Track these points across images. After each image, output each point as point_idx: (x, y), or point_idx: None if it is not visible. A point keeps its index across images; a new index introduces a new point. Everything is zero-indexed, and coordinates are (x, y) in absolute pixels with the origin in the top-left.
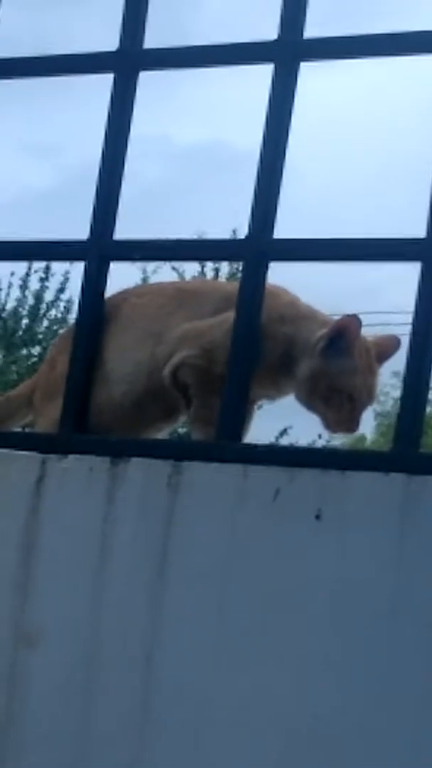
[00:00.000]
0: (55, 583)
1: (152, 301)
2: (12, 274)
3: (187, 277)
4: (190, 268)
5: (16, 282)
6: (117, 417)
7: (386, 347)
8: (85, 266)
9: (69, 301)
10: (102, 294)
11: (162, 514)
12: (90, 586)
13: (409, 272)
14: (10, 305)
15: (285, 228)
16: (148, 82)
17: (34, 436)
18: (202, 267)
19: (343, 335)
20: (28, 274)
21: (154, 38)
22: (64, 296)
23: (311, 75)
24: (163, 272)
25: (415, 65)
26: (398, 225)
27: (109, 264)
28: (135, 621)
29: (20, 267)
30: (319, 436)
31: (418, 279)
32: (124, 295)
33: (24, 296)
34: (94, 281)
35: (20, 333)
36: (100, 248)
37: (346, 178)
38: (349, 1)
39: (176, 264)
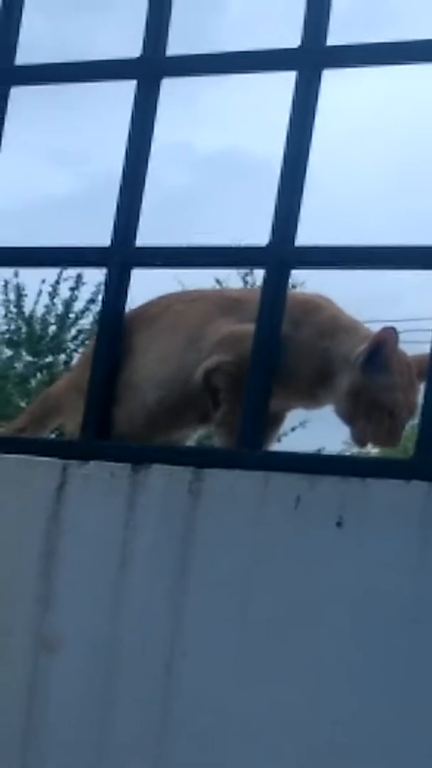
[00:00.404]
0: (76, 590)
1: (195, 308)
2: (43, 281)
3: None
4: (234, 279)
5: (46, 289)
6: (148, 423)
7: (426, 364)
8: (107, 273)
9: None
10: (124, 301)
11: (183, 521)
12: (110, 593)
13: (430, 280)
14: (39, 311)
15: (305, 236)
16: (169, 88)
17: (54, 442)
18: (245, 280)
19: (381, 349)
20: (58, 282)
21: (176, 44)
22: (96, 307)
23: (331, 83)
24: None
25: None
26: (418, 232)
27: (130, 271)
28: (155, 629)
29: (51, 274)
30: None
31: None
32: (167, 302)
33: (53, 304)
34: (116, 288)
35: (47, 340)
36: (121, 255)
37: (366, 187)
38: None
39: (218, 274)
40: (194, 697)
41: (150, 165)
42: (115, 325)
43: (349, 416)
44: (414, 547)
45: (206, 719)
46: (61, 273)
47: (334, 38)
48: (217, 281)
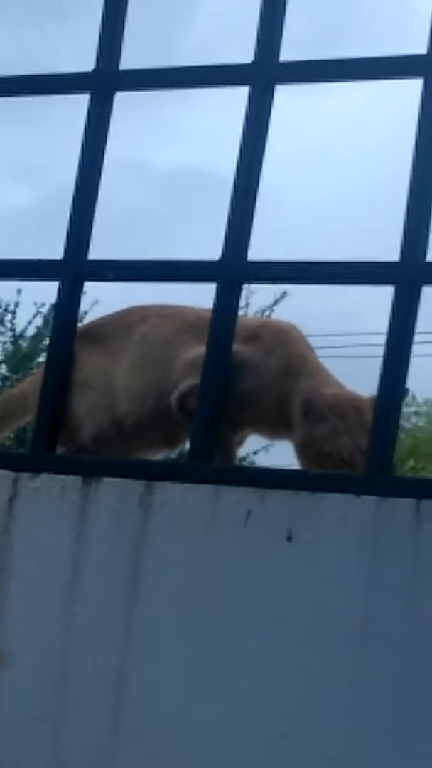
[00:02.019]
0: (27, 603)
1: (171, 326)
2: (36, 303)
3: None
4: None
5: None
6: (115, 437)
7: None
8: (59, 285)
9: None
10: (76, 313)
11: (134, 534)
12: (62, 606)
13: (389, 296)
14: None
15: (263, 252)
16: (128, 104)
17: (5, 455)
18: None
19: (310, 400)
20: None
21: (141, 60)
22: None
23: (292, 99)
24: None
25: (394, 90)
26: (376, 249)
27: (83, 283)
28: (107, 641)
29: (49, 297)
30: None
31: (391, 303)
32: (144, 313)
33: (45, 325)
34: (68, 300)
35: (24, 352)
36: (73, 267)
37: (326, 203)
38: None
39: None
40: (146, 708)
41: (108, 181)
42: (66, 337)
43: (308, 467)
44: (364, 561)
45: (158, 731)
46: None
47: (290, 56)
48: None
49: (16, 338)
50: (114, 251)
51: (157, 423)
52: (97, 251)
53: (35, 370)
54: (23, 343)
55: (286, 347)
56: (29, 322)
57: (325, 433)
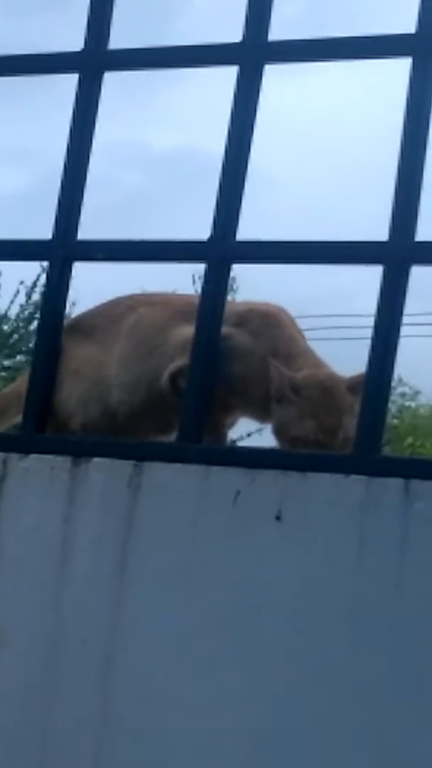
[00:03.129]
0: (16, 584)
1: (160, 313)
2: (21, 282)
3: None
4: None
5: (24, 290)
6: (107, 426)
7: (357, 382)
8: (48, 266)
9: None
10: (65, 294)
11: (123, 514)
12: (51, 586)
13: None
14: (13, 312)
15: (255, 235)
16: (126, 88)
17: None
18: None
19: (277, 388)
20: (35, 284)
21: (136, 42)
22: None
23: (284, 83)
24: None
25: (384, 70)
26: (369, 230)
27: (72, 264)
28: (95, 622)
29: (29, 275)
30: None
31: (379, 283)
32: (131, 302)
33: (27, 304)
34: (57, 281)
35: (14, 340)
36: (63, 248)
37: (320, 185)
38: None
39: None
40: (135, 690)
41: (106, 165)
42: (56, 318)
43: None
44: (353, 541)
45: (147, 711)
46: (39, 275)
47: (279, 37)
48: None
49: (1, 319)
50: (112, 234)
51: (150, 411)
52: (94, 234)
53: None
54: (5, 326)
55: (273, 331)
56: (11, 302)
57: (292, 416)
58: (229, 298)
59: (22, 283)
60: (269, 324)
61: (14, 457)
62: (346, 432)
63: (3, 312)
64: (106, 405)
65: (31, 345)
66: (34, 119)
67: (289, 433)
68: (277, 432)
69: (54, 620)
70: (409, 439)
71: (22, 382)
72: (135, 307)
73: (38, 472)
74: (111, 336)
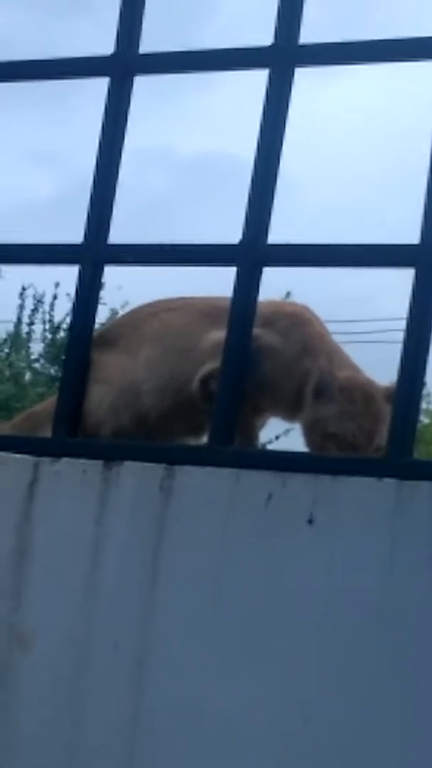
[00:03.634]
0: (48, 586)
1: (183, 317)
2: (57, 285)
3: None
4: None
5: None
6: (137, 432)
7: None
8: (79, 270)
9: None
10: (96, 298)
11: (154, 517)
12: (82, 590)
13: (403, 281)
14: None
15: (286, 238)
16: (153, 93)
17: (27, 440)
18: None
19: (322, 384)
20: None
21: (164, 46)
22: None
23: (316, 86)
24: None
25: (419, 73)
26: (398, 234)
27: (103, 268)
28: (126, 624)
29: (66, 278)
30: None
31: (411, 285)
32: (152, 309)
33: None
34: (88, 285)
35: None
36: (93, 252)
37: (348, 188)
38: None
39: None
40: (165, 693)
41: (134, 169)
42: (87, 321)
43: (313, 449)
44: (385, 544)
45: (177, 715)
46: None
47: (310, 39)
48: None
49: (54, 330)
50: (138, 239)
51: (180, 414)
52: (123, 239)
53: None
54: (58, 336)
55: (301, 328)
56: (67, 314)
57: (333, 414)
58: None
59: (58, 285)
60: (296, 323)
61: (46, 461)
62: (380, 440)
63: (57, 324)
64: (136, 411)
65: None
66: (65, 123)
67: (326, 430)
68: (312, 426)
69: (85, 624)
70: None
71: (52, 401)
72: (156, 313)
73: (70, 476)
74: (135, 343)
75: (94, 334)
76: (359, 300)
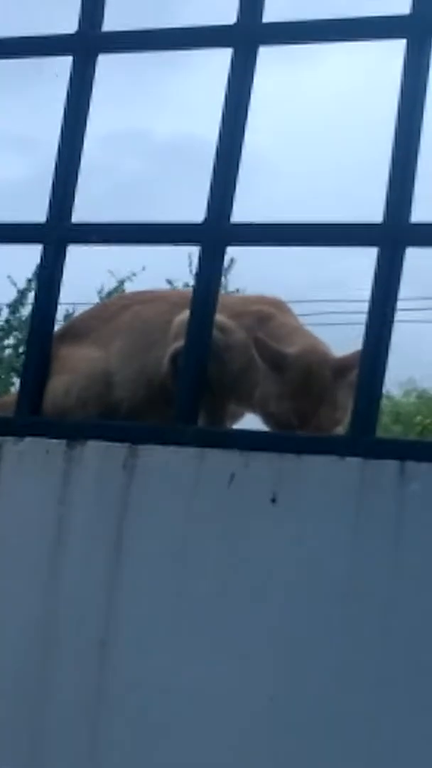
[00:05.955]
0: (10, 567)
1: (156, 308)
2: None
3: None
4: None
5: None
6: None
7: (343, 365)
8: (43, 250)
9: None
10: (59, 278)
11: (118, 497)
12: (45, 570)
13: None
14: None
15: (252, 217)
16: (128, 77)
17: None
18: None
19: (266, 360)
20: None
21: (140, 24)
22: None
23: (285, 67)
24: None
25: (386, 53)
26: (366, 214)
27: (66, 247)
28: (90, 605)
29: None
30: None
31: (374, 265)
32: (124, 302)
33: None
34: (51, 265)
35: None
36: (57, 231)
37: (318, 169)
38: None
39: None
40: (129, 673)
41: (108, 152)
42: (50, 302)
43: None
44: (348, 523)
45: (142, 695)
46: None
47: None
48: (168, 282)
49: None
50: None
51: (152, 405)
52: (99, 220)
53: None
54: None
55: (266, 325)
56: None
57: (273, 392)
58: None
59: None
60: (261, 318)
61: (9, 440)
62: (319, 422)
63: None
64: (106, 402)
65: None
66: (38, 108)
67: (267, 408)
68: (258, 404)
69: (48, 603)
70: (418, 418)
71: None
72: (128, 305)
73: (33, 456)
74: (107, 335)
75: (60, 328)
76: (333, 283)
